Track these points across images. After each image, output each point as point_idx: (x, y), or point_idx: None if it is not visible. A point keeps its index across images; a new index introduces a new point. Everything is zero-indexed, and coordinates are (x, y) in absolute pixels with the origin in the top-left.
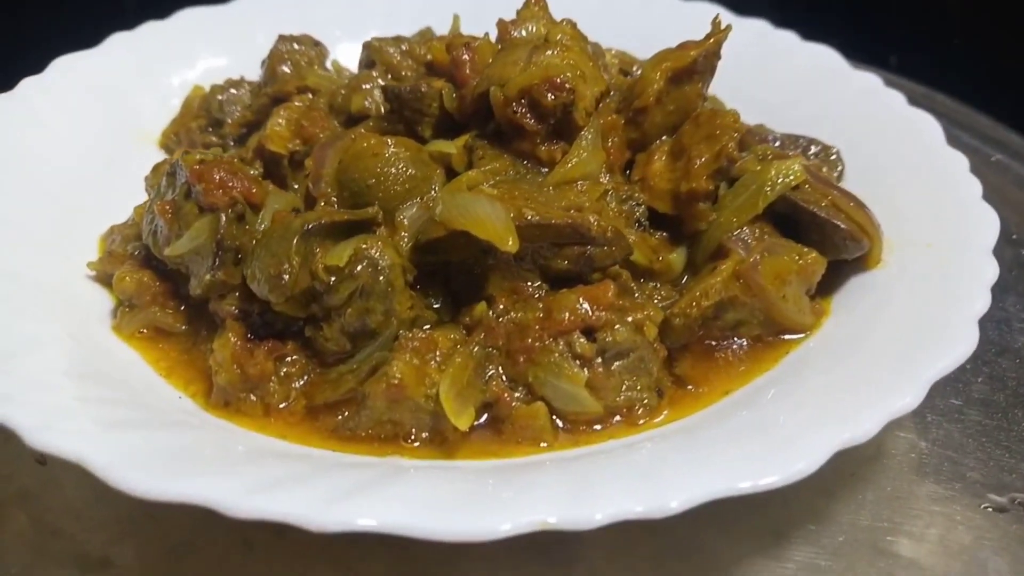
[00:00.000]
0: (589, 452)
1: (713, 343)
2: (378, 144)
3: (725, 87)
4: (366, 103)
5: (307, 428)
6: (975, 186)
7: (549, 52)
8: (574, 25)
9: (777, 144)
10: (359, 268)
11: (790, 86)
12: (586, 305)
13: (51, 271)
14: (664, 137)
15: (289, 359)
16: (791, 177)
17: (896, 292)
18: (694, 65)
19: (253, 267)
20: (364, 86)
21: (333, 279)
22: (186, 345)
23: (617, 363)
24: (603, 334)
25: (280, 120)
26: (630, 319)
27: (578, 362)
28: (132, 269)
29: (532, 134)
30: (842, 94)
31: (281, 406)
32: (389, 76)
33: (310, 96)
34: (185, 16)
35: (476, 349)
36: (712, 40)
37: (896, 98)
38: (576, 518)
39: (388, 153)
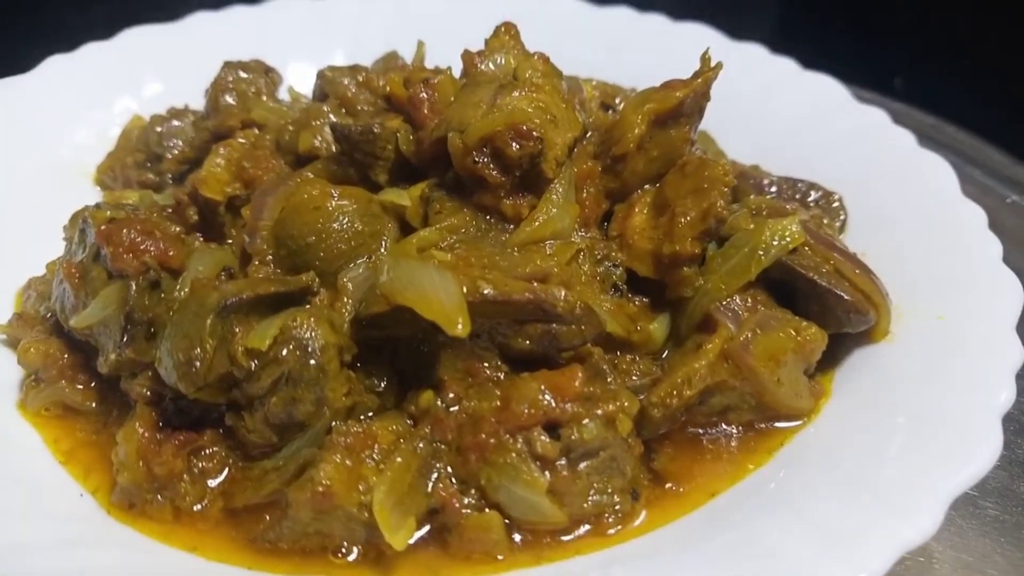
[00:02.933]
0: (551, 572)
1: (698, 431)
2: (321, 195)
3: (716, 120)
4: (315, 142)
5: (223, 536)
6: (994, 247)
7: (516, 93)
8: (547, 60)
9: (773, 190)
10: (285, 351)
11: (788, 120)
12: (549, 396)
13: None
14: (647, 186)
15: (206, 451)
16: (788, 239)
17: (905, 375)
18: (680, 107)
19: (162, 349)
20: (315, 122)
21: (254, 364)
22: (96, 425)
23: (584, 463)
24: (568, 430)
25: (218, 160)
26: (600, 412)
27: (538, 463)
28: (39, 338)
29: (495, 187)
30: (846, 131)
31: (195, 508)
32: (343, 111)
33: (255, 131)
34: (130, 36)
35: (421, 445)
36: (700, 79)
37: (905, 138)
38: None
39: (331, 206)
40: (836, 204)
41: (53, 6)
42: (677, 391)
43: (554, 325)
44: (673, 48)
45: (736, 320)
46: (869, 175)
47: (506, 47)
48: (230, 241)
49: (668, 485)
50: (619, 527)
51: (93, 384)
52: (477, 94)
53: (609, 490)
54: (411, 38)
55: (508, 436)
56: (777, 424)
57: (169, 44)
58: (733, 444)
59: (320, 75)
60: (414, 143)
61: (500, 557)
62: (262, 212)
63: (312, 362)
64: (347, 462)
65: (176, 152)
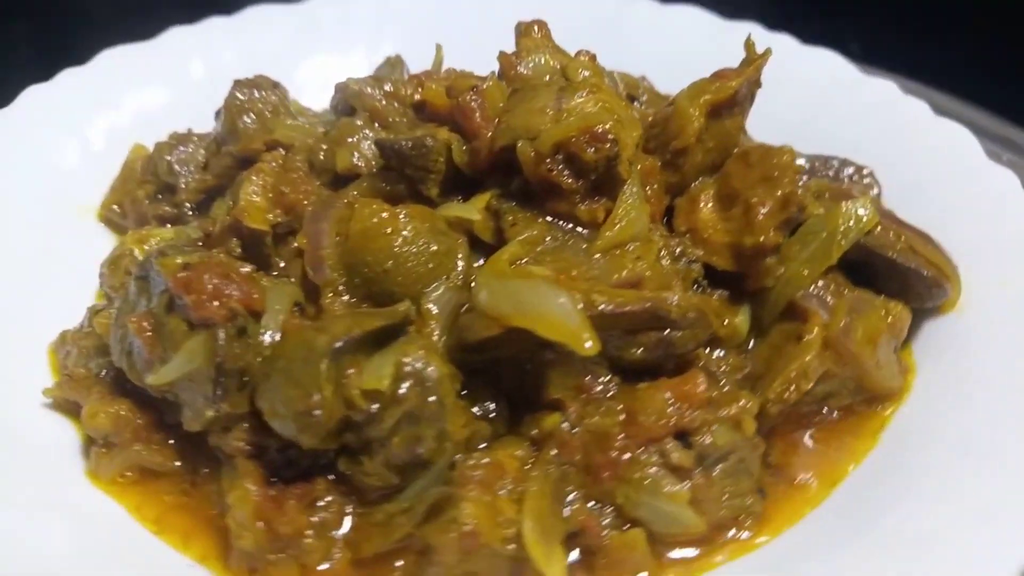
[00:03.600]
0: None
1: (801, 420)
2: (391, 218)
3: None
4: (354, 159)
5: None
6: None
7: (578, 96)
8: (593, 58)
9: (807, 168)
10: (404, 389)
11: (800, 98)
12: (676, 404)
13: None
14: (701, 178)
15: (322, 502)
16: (864, 220)
17: (983, 343)
18: (735, 97)
19: (272, 400)
20: (349, 139)
21: (375, 407)
22: (182, 486)
23: (717, 469)
24: (699, 437)
25: (254, 188)
26: (724, 414)
27: (675, 474)
28: (104, 400)
29: (570, 193)
30: (859, 105)
31: (322, 567)
32: (376, 124)
33: (282, 152)
34: (107, 58)
35: (550, 470)
36: (752, 67)
37: (920, 108)
38: None
39: (405, 229)
40: (868, 179)
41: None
42: (795, 385)
43: (667, 331)
44: (665, 32)
45: (824, 306)
46: (890, 147)
47: (540, 46)
48: (281, 265)
49: (790, 479)
50: (754, 528)
51: (171, 442)
52: (537, 100)
53: (741, 492)
54: (396, 42)
55: (640, 450)
56: (873, 405)
57: (149, 63)
58: (836, 429)
59: (342, 88)
60: (468, 153)
61: (645, 574)
62: (320, 240)
63: (432, 397)
64: (485, 497)
65: (192, 180)
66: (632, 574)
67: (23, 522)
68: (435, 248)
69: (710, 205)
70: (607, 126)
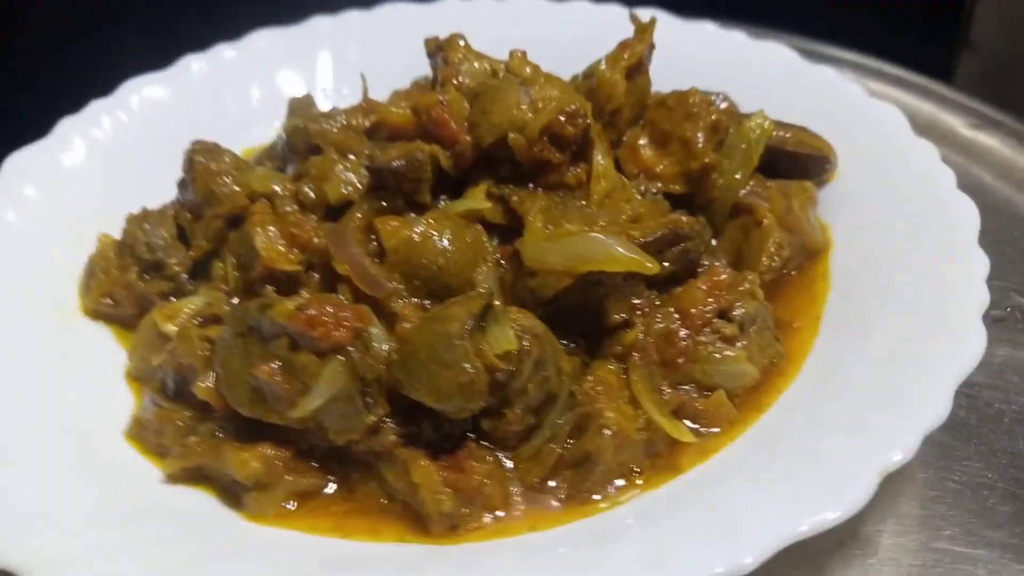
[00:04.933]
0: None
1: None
2: (427, 226)
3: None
4: (344, 190)
5: (539, 512)
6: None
7: (537, 88)
8: (525, 55)
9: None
10: (527, 343)
11: (749, 92)
12: (711, 293)
13: None
14: (630, 130)
15: (486, 459)
16: (766, 126)
17: (859, 198)
18: (642, 59)
19: (432, 386)
20: (335, 172)
21: (512, 366)
22: (343, 493)
23: (752, 330)
24: (735, 311)
25: (266, 237)
26: (743, 289)
27: (729, 343)
28: (241, 449)
29: (559, 164)
30: (799, 91)
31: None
32: (342, 155)
33: (266, 201)
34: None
35: (641, 371)
36: (647, 33)
37: (855, 89)
38: None
39: (444, 231)
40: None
41: None
42: (777, 255)
43: (684, 244)
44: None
45: (761, 197)
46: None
47: (466, 55)
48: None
49: (794, 324)
50: (784, 364)
51: (314, 463)
52: (507, 97)
53: (769, 343)
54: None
55: (699, 335)
56: (813, 259)
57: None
58: (797, 283)
59: (297, 131)
60: (451, 159)
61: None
62: (362, 262)
63: (546, 344)
64: (612, 404)
65: (177, 254)
66: (726, 423)
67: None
68: (470, 239)
69: (648, 148)
70: (575, 105)
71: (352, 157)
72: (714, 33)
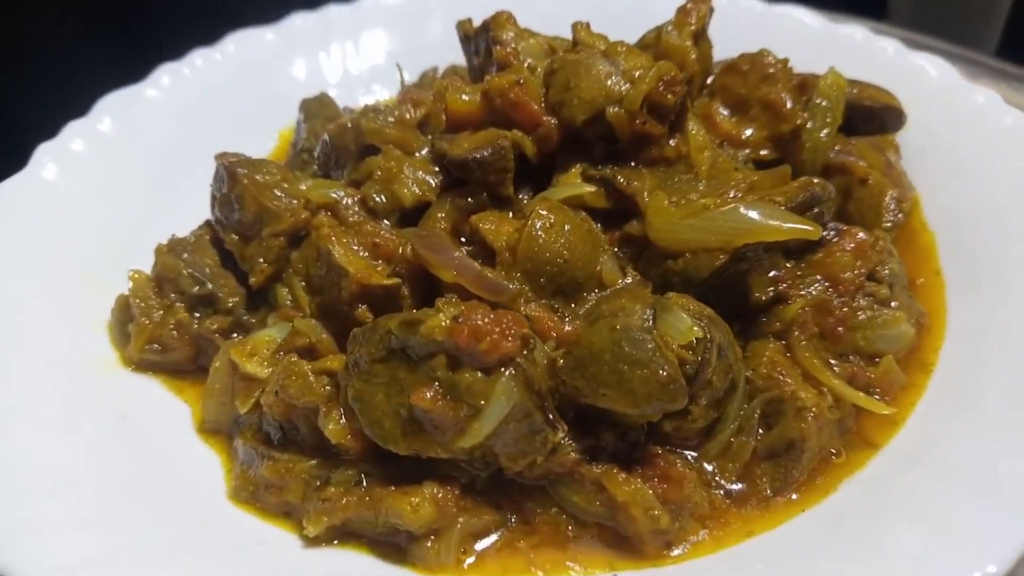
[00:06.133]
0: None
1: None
2: (546, 216)
3: None
4: (416, 190)
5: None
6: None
7: (622, 59)
8: (589, 27)
9: None
10: (706, 330)
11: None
12: (857, 255)
13: None
14: (696, 100)
15: (677, 464)
16: (842, 83)
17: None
18: (706, 24)
19: (626, 390)
20: (404, 174)
21: (699, 355)
22: (520, 529)
23: (898, 287)
24: (882, 270)
25: (347, 252)
26: (881, 246)
27: (885, 305)
28: (406, 491)
29: (659, 137)
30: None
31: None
32: (398, 152)
33: (328, 215)
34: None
35: (806, 345)
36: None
37: (893, 44)
38: None
39: (561, 223)
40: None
41: None
42: (899, 209)
43: (817, 207)
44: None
45: (851, 155)
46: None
47: (518, 33)
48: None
49: (919, 280)
50: (926, 320)
51: (482, 499)
52: (593, 70)
53: (910, 300)
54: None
55: (854, 301)
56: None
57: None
58: (905, 229)
59: (343, 131)
60: (535, 143)
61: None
62: (472, 266)
63: (725, 327)
64: (800, 383)
65: (227, 285)
66: (898, 388)
67: None
68: (586, 227)
69: (724, 115)
70: (674, 72)
71: (415, 154)
72: (728, 2)
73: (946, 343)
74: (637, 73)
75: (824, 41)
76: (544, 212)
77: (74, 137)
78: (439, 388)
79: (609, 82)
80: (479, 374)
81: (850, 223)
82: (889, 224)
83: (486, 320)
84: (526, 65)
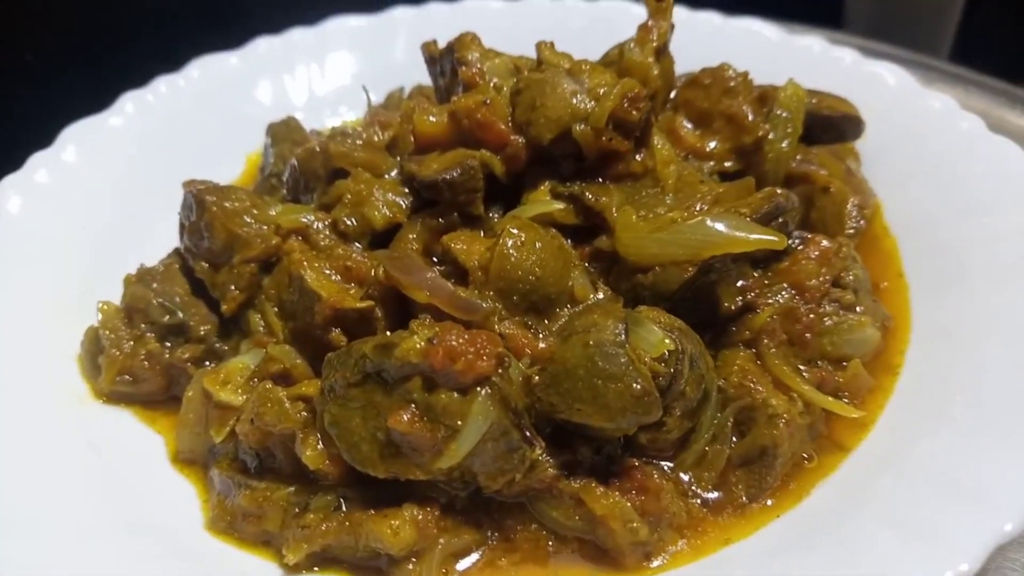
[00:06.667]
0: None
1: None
2: (516, 235)
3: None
4: (386, 212)
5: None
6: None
7: (586, 76)
8: (553, 46)
9: None
10: (678, 342)
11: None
12: (821, 263)
13: None
14: (660, 115)
15: (663, 475)
16: (801, 93)
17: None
18: (667, 41)
19: (600, 405)
20: (374, 197)
21: (671, 368)
22: (500, 547)
23: (862, 291)
24: (846, 277)
25: (318, 276)
26: (845, 253)
27: (850, 310)
28: (386, 514)
29: (625, 153)
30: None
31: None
32: (366, 175)
33: (299, 240)
34: None
35: (775, 352)
36: (668, 12)
37: (851, 55)
38: None
39: (532, 240)
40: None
41: None
42: (861, 217)
43: (780, 217)
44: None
45: (811, 164)
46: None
47: (483, 54)
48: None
49: (882, 285)
50: (892, 324)
51: (461, 518)
52: (557, 89)
53: (874, 304)
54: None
55: (820, 307)
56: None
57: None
58: (867, 236)
59: (312, 155)
60: (503, 162)
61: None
62: (444, 286)
63: (696, 338)
64: (771, 390)
65: (199, 316)
66: (866, 392)
67: None
68: (559, 244)
69: (688, 129)
70: (637, 89)
71: (385, 176)
72: (688, 17)
73: (911, 345)
74: (602, 91)
75: (783, 52)
76: (515, 231)
77: (38, 168)
78: (415, 410)
79: (574, 100)
80: (455, 395)
81: (813, 231)
82: (852, 231)
83: (460, 340)
84: (492, 85)
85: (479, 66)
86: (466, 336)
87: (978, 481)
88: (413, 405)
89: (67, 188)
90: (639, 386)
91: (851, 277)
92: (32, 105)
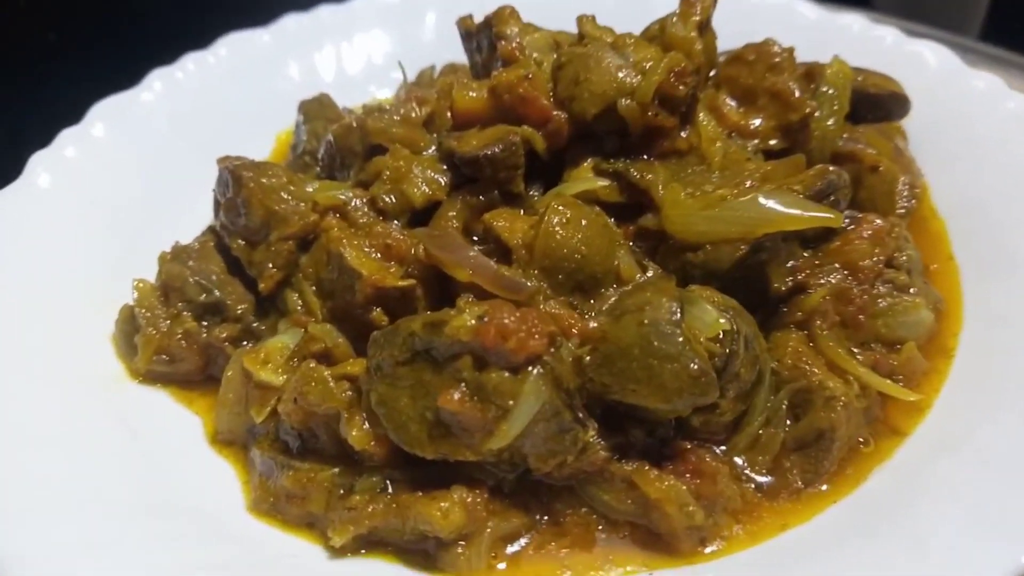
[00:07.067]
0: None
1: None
2: (562, 212)
3: None
4: (426, 190)
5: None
6: None
7: (631, 50)
8: (594, 19)
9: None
10: (733, 322)
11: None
12: (875, 242)
13: None
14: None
15: (708, 459)
16: (848, 71)
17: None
18: (709, 15)
19: (657, 387)
20: (413, 174)
21: (727, 348)
22: (549, 531)
23: (915, 273)
24: (899, 257)
25: (359, 254)
26: (898, 233)
27: (905, 291)
28: (434, 496)
29: (671, 129)
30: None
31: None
32: (406, 151)
33: (337, 218)
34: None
35: (827, 334)
36: None
37: (893, 34)
38: None
39: (577, 218)
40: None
41: None
42: (912, 196)
43: (833, 195)
44: None
45: (858, 143)
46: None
47: (522, 28)
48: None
49: (932, 266)
50: (944, 307)
51: (509, 501)
52: (603, 63)
53: (926, 286)
54: None
55: (873, 288)
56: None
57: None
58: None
59: (348, 131)
60: (546, 138)
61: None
62: (487, 264)
63: (750, 318)
64: (828, 372)
65: (235, 295)
66: (921, 375)
67: None
68: (604, 222)
69: (731, 106)
70: (684, 63)
71: (423, 152)
72: None
73: (964, 328)
74: (647, 65)
75: (822, 31)
76: (560, 207)
77: (67, 145)
78: (466, 389)
79: (620, 75)
80: (506, 374)
81: (863, 211)
82: (903, 210)
83: (512, 319)
84: (532, 60)
85: (518, 40)
86: (517, 314)
87: None
88: (463, 384)
89: (97, 165)
90: (696, 366)
91: (904, 258)
92: (60, 83)
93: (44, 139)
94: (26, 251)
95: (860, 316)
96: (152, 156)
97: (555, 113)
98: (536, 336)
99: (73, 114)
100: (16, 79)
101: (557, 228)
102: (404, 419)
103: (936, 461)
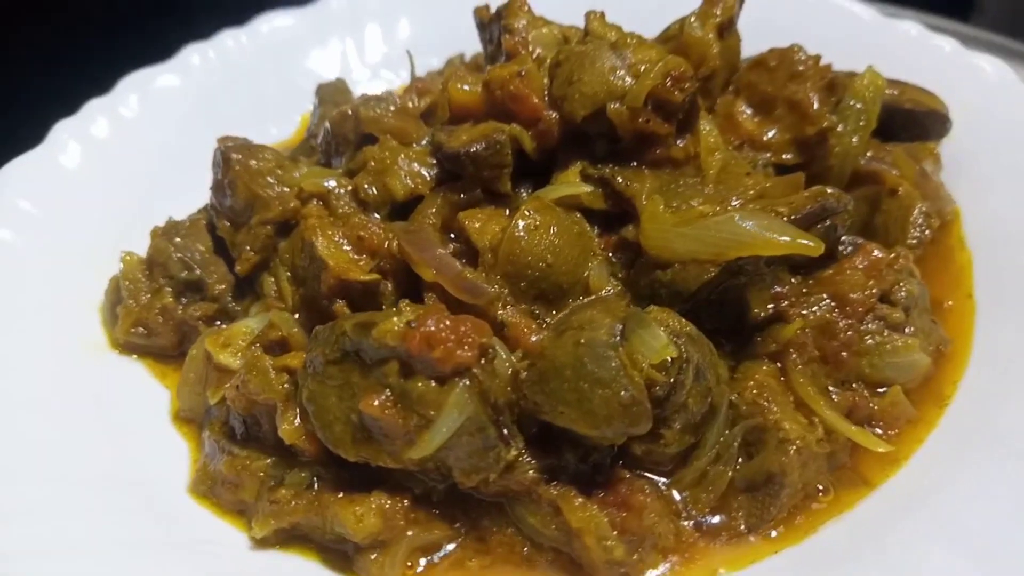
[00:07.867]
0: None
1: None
2: (532, 216)
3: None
4: (409, 183)
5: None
6: None
7: (631, 51)
8: (603, 16)
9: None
10: (684, 349)
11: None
12: (870, 274)
13: None
14: (720, 98)
15: (652, 491)
16: (880, 83)
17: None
18: (734, 16)
19: (586, 410)
20: (398, 163)
21: (672, 377)
22: (472, 547)
23: (916, 310)
24: (896, 292)
25: (330, 244)
26: (899, 267)
27: (898, 330)
28: (352, 499)
29: (665, 137)
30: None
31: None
32: (394, 143)
33: (318, 204)
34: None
35: (802, 369)
36: None
37: (950, 43)
38: None
39: (548, 224)
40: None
41: None
42: (927, 226)
43: (829, 220)
44: None
45: (886, 163)
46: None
47: (531, 21)
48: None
49: (945, 304)
50: (948, 347)
51: (436, 511)
52: (598, 63)
53: (931, 325)
54: None
55: (862, 324)
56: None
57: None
58: (937, 248)
59: (344, 118)
60: (535, 138)
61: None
62: (452, 266)
63: (707, 346)
64: (789, 413)
65: (217, 271)
66: (905, 423)
67: None
68: (578, 230)
69: (747, 115)
70: (683, 67)
71: (414, 145)
72: None
73: (967, 375)
74: (643, 67)
75: (875, 36)
76: (529, 212)
77: (95, 116)
78: (390, 395)
79: (612, 77)
80: (432, 383)
81: (874, 237)
82: (914, 240)
83: (442, 326)
84: (536, 55)
85: (524, 34)
86: (448, 322)
87: (1010, 548)
88: (388, 390)
89: (121, 137)
90: (627, 394)
91: (903, 293)
92: (92, 54)
93: (71, 106)
94: (38, 217)
95: (843, 353)
96: (176, 132)
97: (546, 112)
98: (466, 347)
99: (105, 83)
100: (50, 47)
101: (523, 233)
102: (331, 418)
103: (898, 521)
